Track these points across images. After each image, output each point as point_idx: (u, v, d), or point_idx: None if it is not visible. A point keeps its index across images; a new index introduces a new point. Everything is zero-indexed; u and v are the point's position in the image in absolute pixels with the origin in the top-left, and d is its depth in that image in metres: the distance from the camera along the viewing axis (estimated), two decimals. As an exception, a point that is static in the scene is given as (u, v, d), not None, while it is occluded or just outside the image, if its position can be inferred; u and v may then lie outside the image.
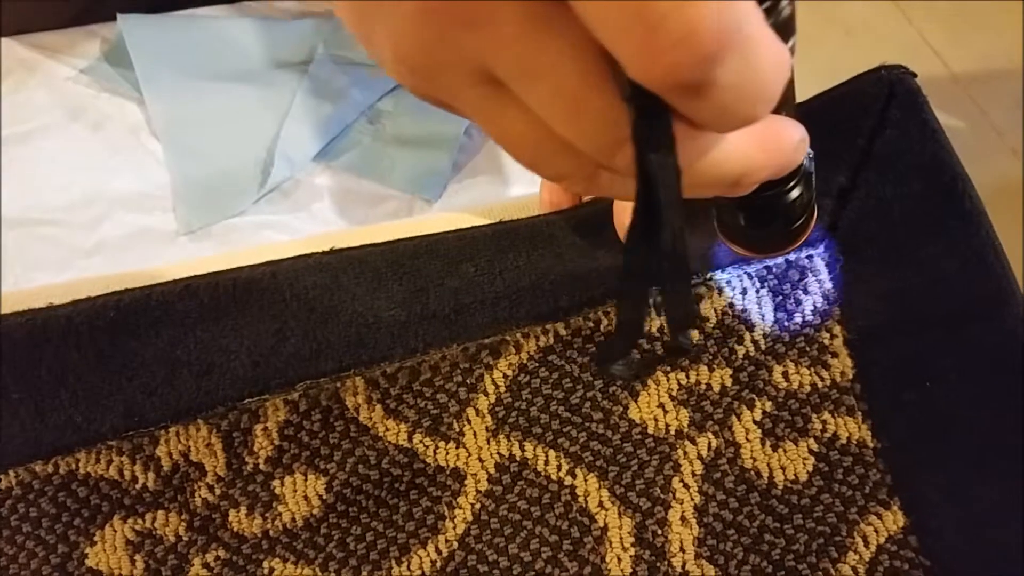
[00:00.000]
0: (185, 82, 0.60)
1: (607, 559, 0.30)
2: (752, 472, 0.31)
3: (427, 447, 0.31)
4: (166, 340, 0.31)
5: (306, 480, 0.30)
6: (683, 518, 0.30)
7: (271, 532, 0.30)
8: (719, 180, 0.18)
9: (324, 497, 0.30)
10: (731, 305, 0.32)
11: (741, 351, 0.32)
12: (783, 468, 0.31)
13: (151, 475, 0.30)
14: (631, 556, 0.30)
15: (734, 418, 0.31)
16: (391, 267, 0.32)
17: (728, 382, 0.32)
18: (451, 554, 0.30)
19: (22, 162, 0.58)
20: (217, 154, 0.59)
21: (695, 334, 0.31)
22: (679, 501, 0.30)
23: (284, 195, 0.59)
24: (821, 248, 0.33)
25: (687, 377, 0.31)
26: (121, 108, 0.61)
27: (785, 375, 0.32)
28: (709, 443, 0.31)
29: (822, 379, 0.32)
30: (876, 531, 0.30)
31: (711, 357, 0.32)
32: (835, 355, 0.32)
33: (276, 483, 0.30)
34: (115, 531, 0.30)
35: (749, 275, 0.32)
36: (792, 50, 0.17)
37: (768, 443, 0.31)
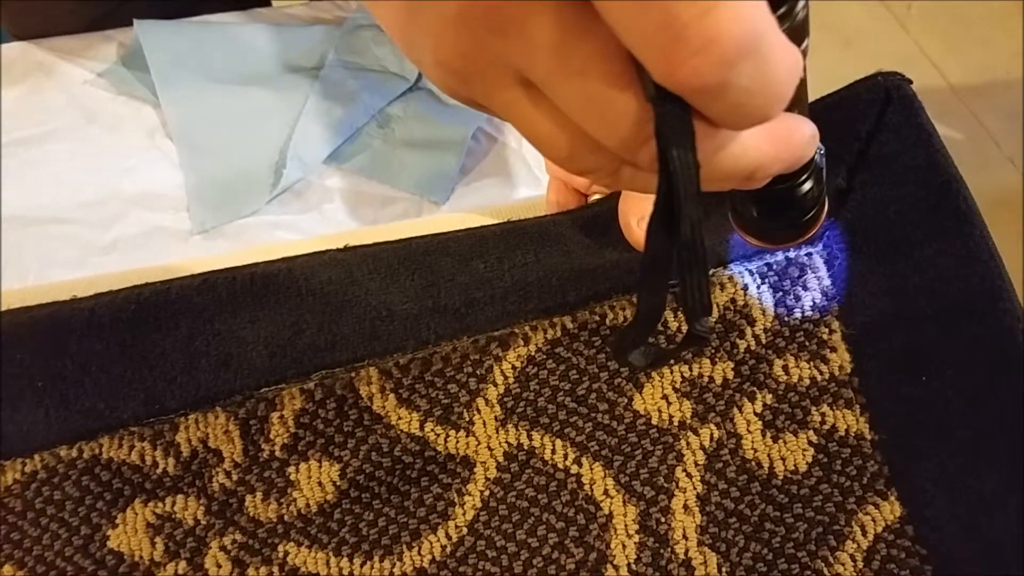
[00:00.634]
0: (200, 85, 0.61)
1: (612, 546, 0.31)
2: (753, 463, 0.32)
3: (438, 435, 0.32)
4: (185, 332, 0.32)
5: (320, 467, 0.31)
6: (686, 506, 0.31)
7: (286, 517, 0.31)
8: (735, 174, 0.19)
9: (338, 483, 0.31)
10: (733, 300, 0.33)
11: (742, 345, 0.33)
12: (783, 459, 0.32)
13: (171, 460, 0.31)
14: (635, 543, 0.31)
15: (735, 410, 0.32)
16: (404, 263, 0.33)
17: (730, 375, 0.32)
18: (460, 539, 0.31)
19: (40, 163, 0.59)
20: (231, 155, 0.60)
21: (711, 322, 0.32)
22: (682, 490, 0.31)
23: (296, 196, 0.60)
24: (820, 246, 0.34)
25: (690, 370, 0.32)
26: (137, 111, 0.62)
27: (785, 368, 0.33)
28: (711, 434, 0.32)
29: (821, 373, 0.33)
30: (873, 521, 0.31)
31: (713, 351, 0.33)
32: (834, 349, 0.33)
33: (291, 469, 0.31)
34: (136, 514, 0.31)
35: (751, 272, 0.33)
36: (805, 52, 0.18)
37: (768, 434, 0.32)
